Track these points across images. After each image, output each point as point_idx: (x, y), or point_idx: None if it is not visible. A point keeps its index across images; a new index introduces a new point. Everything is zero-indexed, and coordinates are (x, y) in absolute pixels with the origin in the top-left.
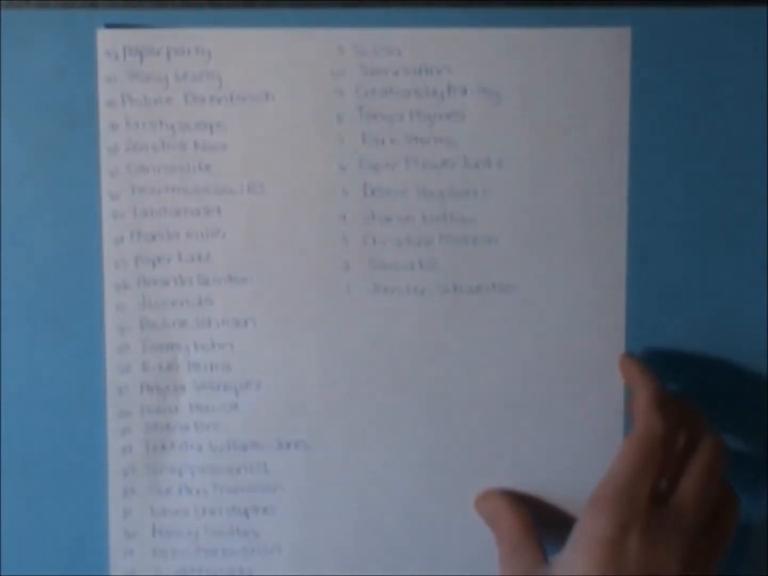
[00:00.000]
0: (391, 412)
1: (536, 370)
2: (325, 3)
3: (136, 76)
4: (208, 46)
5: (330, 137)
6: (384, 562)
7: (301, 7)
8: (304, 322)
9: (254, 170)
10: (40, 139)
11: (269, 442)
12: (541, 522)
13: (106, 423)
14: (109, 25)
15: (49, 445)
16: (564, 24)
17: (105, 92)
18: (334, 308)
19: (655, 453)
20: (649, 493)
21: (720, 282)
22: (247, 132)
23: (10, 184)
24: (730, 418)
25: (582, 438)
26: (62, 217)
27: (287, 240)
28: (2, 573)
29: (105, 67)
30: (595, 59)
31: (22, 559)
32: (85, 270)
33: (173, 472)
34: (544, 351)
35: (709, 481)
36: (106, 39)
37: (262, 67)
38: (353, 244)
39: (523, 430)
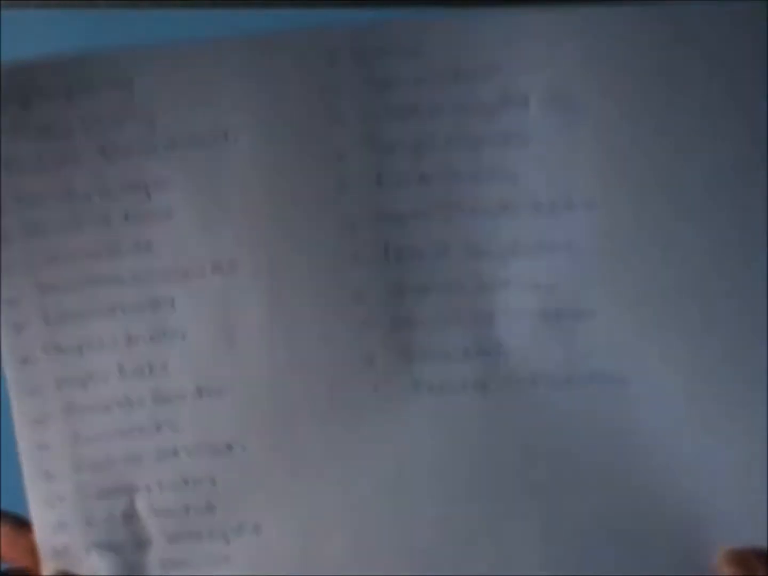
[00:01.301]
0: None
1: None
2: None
3: (23, 129)
4: (129, 74)
5: (327, 183)
6: None
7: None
8: (312, 441)
9: (219, 243)
10: None
11: None
12: None
13: None
14: None
15: None
16: None
17: None
18: (355, 420)
19: None
20: None
21: None
22: (201, 190)
23: None
24: None
25: None
26: None
27: (276, 332)
28: None
29: None
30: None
31: None
32: None
33: None
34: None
35: None
36: None
37: (214, 96)
38: (377, 328)
39: None
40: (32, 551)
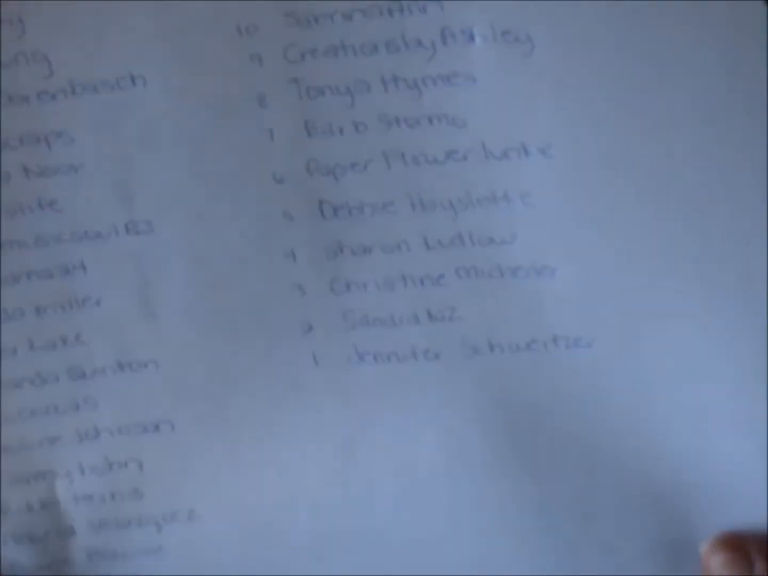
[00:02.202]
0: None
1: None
2: None
3: None
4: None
5: (250, 132)
6: None
7: None
8: (247, 419)
9: (132, 200)
10: None
11: None
12: None
13: None
14: None
15: None
16: None
17: None
18: (294, 395)
19: None
20: None
21: None
22: (108, 141)
23: None
24: None
25: None
26: None
27: (201, 298)
28: None
29: None
30: None
31: None
32: None
33: None
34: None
35: None
36: None
37: (119, 37)
38: (313, 295)
39: None
40: None
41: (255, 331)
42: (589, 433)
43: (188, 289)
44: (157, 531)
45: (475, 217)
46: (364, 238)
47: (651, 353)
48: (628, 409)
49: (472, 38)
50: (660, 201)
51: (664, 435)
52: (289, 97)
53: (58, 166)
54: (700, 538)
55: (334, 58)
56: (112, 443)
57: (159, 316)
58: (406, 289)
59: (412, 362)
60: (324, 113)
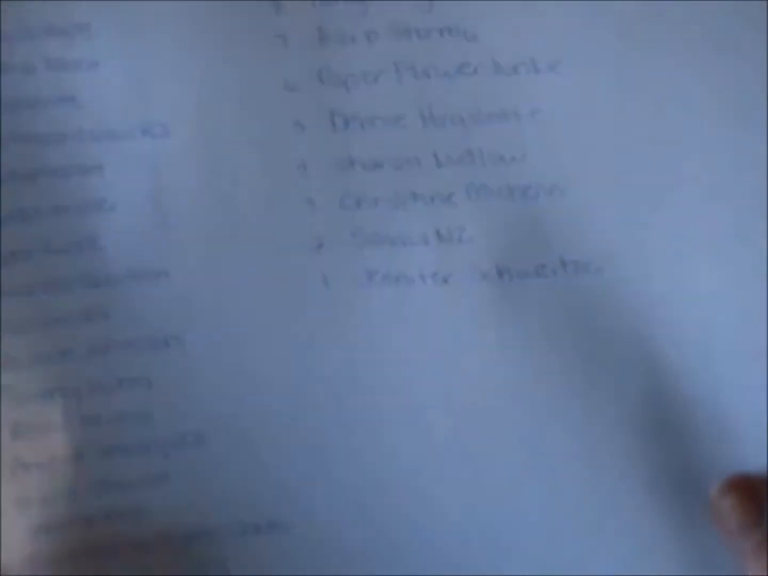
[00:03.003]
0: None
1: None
2: None
3: None
4: None
5: (264, 38)
6: None
7: None
8: (256, 338)
9: (149, 102)
10: None
11: (225, 525)
12: None
13: None
14: None
15: None
16: None
17: None
18: (304, 314)
19: None
20: None
21: None
22: (128, 38)
23: None
24: None
25: None
26: None
27: (213, 208)
28: None
29: None
30: None
31: None
32: None
33: None
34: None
35: None
36: None
37: None
38: (324, 210)
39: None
40: None
41: (265, 245)
42: (594, 361)
43: (200, 199)
44: (163, 457)
45: (486, 134)
46: (375, 153)
47: (662, 280)
48: (636, 338)
49: None
50: (670, 116)
51: (671, 368)
52: (304, 4)
53: (79, 61)
54: (709, 480)
55: None
56: (121, 359)
57: (171, 225)
58: (416, 206)
59: (421, 285)
60: (337, 20)
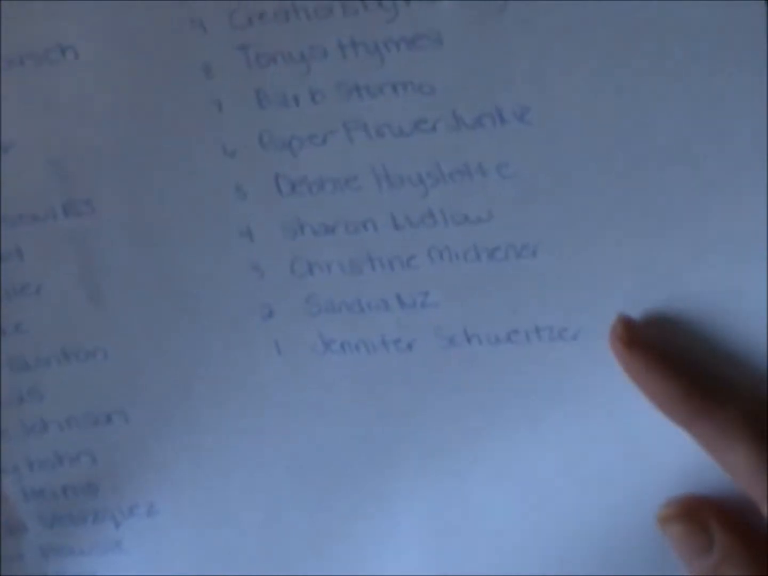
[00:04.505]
0: None
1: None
2: None
3: None
4: None
5: (197, 104)
6: None
7: None
8: (207, 408)
9: (71, 182)
10: None
11: None
12: None
13: None
14: None
15: None
16: None
17: None
18: (257, 385)
19: None
20: None
21: None
22: (41, 115)
23: None
24: None
25: None
26: None
27: (152, 281)
28: None
29: None
30: None
31: None
32: None
33: None
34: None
35: None
36: None
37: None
38: (273, 277)
39: None
40: None
41: (211, 315)
42: (572, 434)
43: (137, 272)
44: (115, 526)
45: (447, 193)
46: (326, 216)
47: None
48: (615, 413)
49: None
50: (647, 167)
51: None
52: (238, 66)
53: None
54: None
55: (285, 23)
56: (61, 436)
57: (105, 302)
58: (373, 271)
59: (383, 353)
60: (276, 82)
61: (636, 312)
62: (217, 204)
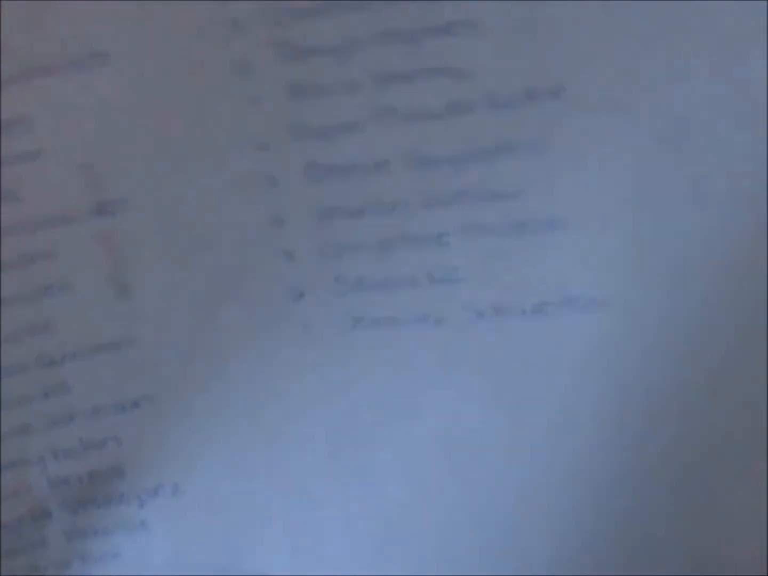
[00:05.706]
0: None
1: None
2: None
3: None
4: None
5: (227, 101)
6: None
7: None
8: (230, 390)
9: (103, 183)
10: None
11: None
12: None
13: None
14: None
15: None
16: None
17: None
18: (284, 364)
19: None
20: None
21: None
22: (73, 123)
23: None
24: None
25: None
26: None
27: (181, 269)
28: None
29: None
30: None
31: None
32: None
33: None
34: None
35: None
36: None
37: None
38: (303, 260)
39: None
40: None
41: (241, 299)
42: (599, 401)
43: (167, 265)
44: (139, 506)
45: (479, 172)
46: (355, 200)
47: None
48: (643, 380)
49: None
50: (678, 142)
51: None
52: (271, 61)
53: (18, 153)
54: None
55: (320, 17)
56: (87, 425)
57: (135, 296)
58: (403, 250)
59: (412, 328)
60: (311, 75)
61: (663, 285)
62: (248, 195)
